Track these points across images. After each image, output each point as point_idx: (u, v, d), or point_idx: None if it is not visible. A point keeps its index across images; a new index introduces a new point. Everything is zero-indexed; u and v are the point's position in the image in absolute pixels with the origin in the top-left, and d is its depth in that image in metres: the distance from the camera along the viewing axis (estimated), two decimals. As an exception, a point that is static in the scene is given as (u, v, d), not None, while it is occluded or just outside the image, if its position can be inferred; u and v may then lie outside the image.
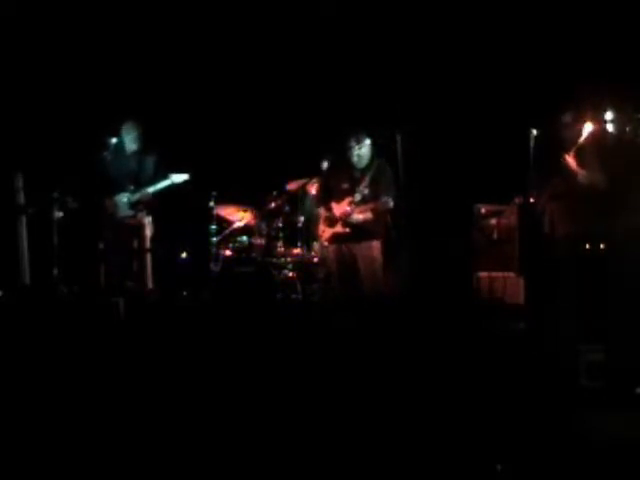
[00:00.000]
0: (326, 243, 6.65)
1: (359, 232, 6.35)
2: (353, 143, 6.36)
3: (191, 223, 7.53)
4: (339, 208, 6.43)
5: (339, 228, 6.41)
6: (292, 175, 7.38)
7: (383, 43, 7.66)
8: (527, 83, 7.01)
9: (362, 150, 6.40)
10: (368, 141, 6.39)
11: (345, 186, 6.45)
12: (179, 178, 6.89)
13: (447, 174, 7.34)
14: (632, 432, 3.46)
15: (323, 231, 6.57)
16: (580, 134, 5.60)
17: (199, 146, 7.76)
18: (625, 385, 4.27)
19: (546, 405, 3.33)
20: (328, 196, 6.57)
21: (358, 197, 6.34)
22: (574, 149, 5.55)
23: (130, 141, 6.96)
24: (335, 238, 6.47)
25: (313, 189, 7.18)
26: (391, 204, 6.25)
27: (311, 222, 7.10)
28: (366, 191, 6.36)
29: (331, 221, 6.47)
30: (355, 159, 6.41)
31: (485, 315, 5.88)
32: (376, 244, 6.40)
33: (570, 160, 5.54)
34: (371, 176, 6.38)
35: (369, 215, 6.31)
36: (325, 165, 7.21)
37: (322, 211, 6.61)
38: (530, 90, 6.92)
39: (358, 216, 6.31)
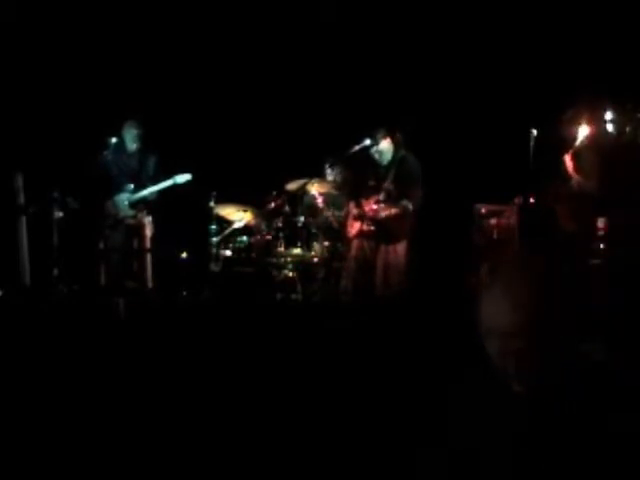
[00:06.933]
0: (326, 243, 6.68)
1: (385, 232, 6.36)
2: (364, 141, 6.39)
3: (191, 223, 7.53)
4: (368, 205, 6.47)
5: (364, 226, 6.44)
6: (292, 175, 7.38)
7: (383, 43, 7.67)
8: (527, 83, 7.01)
9: (381, 146, 6.43)
10: (385, 138, 6.41)
11: (372, 183, 6.49)
12: (182, 178, 6.90)
13: (447, 174, 7.34)
14: (632, 432, 3.46)
15: (351, 227, 6.61)
16: (578, 135, 5.61)
17: (199, 146, 7.76)
18: (625, 385, 4.27)
19: (544, 405, 3.33)
20: (357, 193, 6.61)
21: (383, 195, 6.38)
22: (572, 151, 5.55)
23: (130, 140, 6.98)
24: (360, 234, 6.51)
25: (313, 189, 7.19)
26: (410, 207, 6.26)
27: (316, 218, 7.11)
28: (391, 187, 6.38)
29: (361, 218, 6.51)
30: (376, 156, 6.45)
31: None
32: (400, 248, 6.40)
33: (568, 162, 5.54)
34: (395, 172, 6.42)
35: (396, 212, 6.32)
36: (329, 164, 7.27)
37: (352, 207, 6.66)
38: (530, 90, 6.92)
39: (385, 212, 6.34)
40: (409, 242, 6.48)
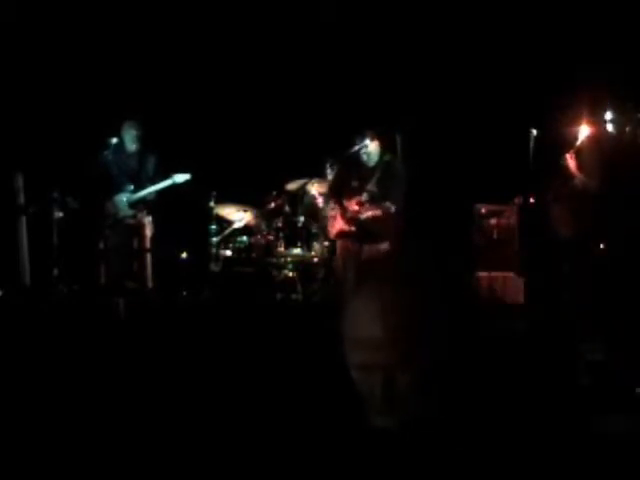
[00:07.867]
0: (326, 243, 6.65)
1: (366, 233, 6.35)
2: (360, 141, 6.38)
3: (191, 223, 7.52)
4: (350, 206, 6.45)
5: (345, 226, 6.42)
6: (292, 175, 7.38)
7: (383, 43, 7.67)
8: (527, 83, 7.01)
9: (370, 148, 6.42)
10: (374, 139, 6.40)
11: (355, 184, 6.47)
12: (181, 178, 6.90)
13: (447, 174, 7.34)
14: (632, 432, 3.46)
15: (332, 227, 6.58)
16: (579, 135, 5.62)
17: (199, 146, 7.76)
18: (625, 385, 4.27)
19: (545, 405, 3.33)
20: (340, 192, 6.59)
21: (365, 196, 6.36)
22: (573, 150, 5.56)
23: (129, 140, 6.97)
24: (340, 235, 6.48)
25: (313, 189, 7.19)
26: (393, 209, 6.24)
27: (317, 218, 7.10)
28: (375, 189, 6.37)
29: (342, 217, 6.49)
30: (364, 157, 6.43)
31: (485, 315, 5.87)
32: (384, 247, 6.38)
33: (570, 161, 5.55)
34: (379, 175, 6.40)
35: (377, 213, 6.31)
36: (330, 163, 7.25)
37: (331, 206, 6.63)
38: (530, 90, 6.92)
39: (367, 214, 6.32)
40: (392, 243, 6.45)
